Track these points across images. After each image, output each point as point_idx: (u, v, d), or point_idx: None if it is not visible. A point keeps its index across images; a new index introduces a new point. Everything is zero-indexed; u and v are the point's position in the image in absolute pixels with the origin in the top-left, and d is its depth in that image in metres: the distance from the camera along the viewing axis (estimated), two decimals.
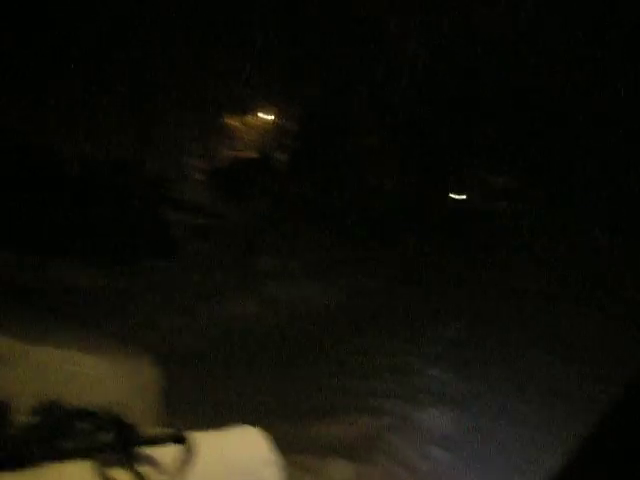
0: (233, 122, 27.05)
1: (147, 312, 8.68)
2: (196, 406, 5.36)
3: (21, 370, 3.90)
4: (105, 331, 6.88)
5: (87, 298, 9.12)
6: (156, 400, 4.48)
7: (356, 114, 15.71)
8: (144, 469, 1.72)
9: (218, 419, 2.20)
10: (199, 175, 21.92)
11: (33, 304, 8.23)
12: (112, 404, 4.33)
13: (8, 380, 3.79)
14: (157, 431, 1.87)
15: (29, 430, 4.03)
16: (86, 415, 4.12)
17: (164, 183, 15.65)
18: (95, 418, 4.04)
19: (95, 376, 4.09)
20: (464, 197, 18.62)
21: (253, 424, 2.26)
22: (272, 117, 26.42)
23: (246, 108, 26.56)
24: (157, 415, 4.45)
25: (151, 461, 1.72)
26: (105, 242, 11.45)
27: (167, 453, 1.78)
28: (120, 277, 9.92)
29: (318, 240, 13.49)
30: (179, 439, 1.82)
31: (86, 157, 14.16)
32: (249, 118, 27.45)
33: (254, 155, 24.40)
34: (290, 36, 16.47)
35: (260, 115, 27.34)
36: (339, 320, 9.70)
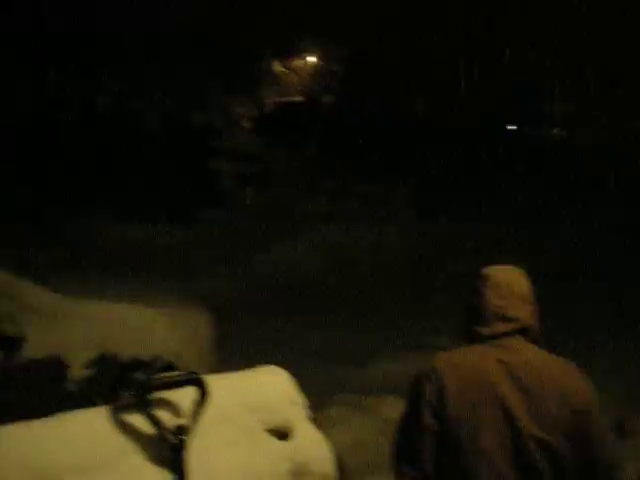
0: (279, 67, 26.68)
1: (199, 263, 8.75)
2: (246, 351, 5.39)
3: (73, 324, 3.94)
4: (158, 284, 6.95)
5: (142, 253, 9.25)
6: (209, 348, 4.51)
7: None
8: (159, 412, 1.73)
9: (262, 362, 2.18)
10: (247, 123, 21.76)
11: (89, 260, 8.40)
12: (166, 353, 4.35)
13: (61, 335, 3.86)
14: (172, 375, 1.88)
15: (87, 383, 4.09)
16: (140, 365, 4.16)
17: (213, 133, 15.56)
18: (149, 368, 4.08)
19: (148, 327, 4.15)
20: None
21: (288, 365, 2.24)
22: (318, 60, 25.89)
23: (292, 52, 26.11)
24: (211, 362, 4.49)
25: (166, 404, 1.73)
26: (161, 196, 11.51)
27: (185, 396, 1.78)
28: (175, 231, 9.98)
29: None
30: (194, 382, 1.81)
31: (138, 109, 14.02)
32: (295, 62, 27.00)
33: (301, 99, 24.06)
34: None
35: (307, 59, 26.82)
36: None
